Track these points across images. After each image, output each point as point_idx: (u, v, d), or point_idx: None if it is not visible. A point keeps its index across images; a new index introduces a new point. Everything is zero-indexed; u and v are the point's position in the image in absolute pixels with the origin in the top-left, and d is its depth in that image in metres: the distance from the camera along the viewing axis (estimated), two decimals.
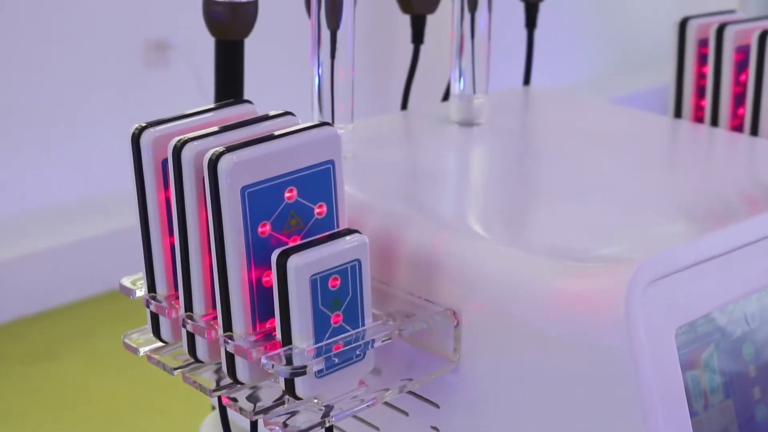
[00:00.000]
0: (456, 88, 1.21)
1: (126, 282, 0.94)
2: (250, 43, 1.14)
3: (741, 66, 1.24)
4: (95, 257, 2.90)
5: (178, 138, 0.84)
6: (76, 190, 2.97)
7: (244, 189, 0.81)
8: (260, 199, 0.82)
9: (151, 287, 0.90)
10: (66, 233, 2.91)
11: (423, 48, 1.30)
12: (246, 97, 1.11)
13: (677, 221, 0.98)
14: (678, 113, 1.29)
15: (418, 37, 1.28)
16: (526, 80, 1.39)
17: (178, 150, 0.84)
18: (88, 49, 2.91)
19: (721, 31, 1.24)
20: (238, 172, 0.81)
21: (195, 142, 0.84)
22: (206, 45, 1.11)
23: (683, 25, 1.27)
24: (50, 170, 2.92)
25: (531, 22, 1.37)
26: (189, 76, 3.03)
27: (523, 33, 1.38)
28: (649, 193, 1.04)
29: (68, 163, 2.94)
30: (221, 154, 0.81)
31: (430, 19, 1.28)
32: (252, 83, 1.27)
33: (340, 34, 1.07)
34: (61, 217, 2.93)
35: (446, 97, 1.30)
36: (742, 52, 1.24)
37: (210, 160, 0.81)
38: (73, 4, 2.86)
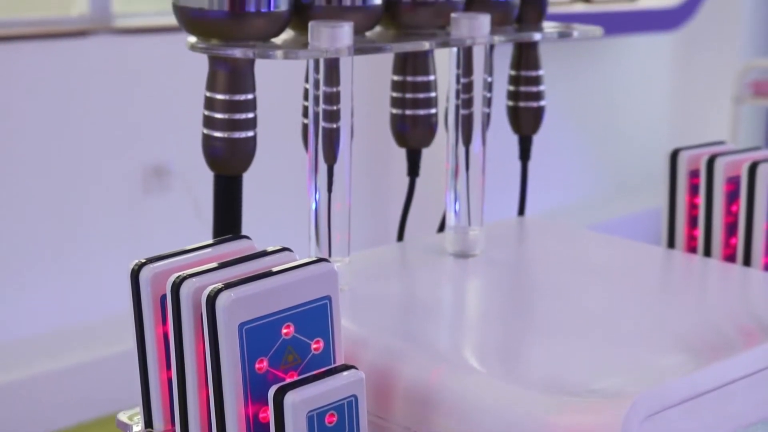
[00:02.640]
0: (451, 220, 1.23)
1: (123, 417, 0.94)
2: (248, 176, 1.15)
3: (732, 196, 1.26)
4: (94, 382, 2.89)
5: (176, 274, 0.85)
6: (75, 314, 2.97)
7: (241, 325, 0.82)
8: (258, 336, 0.83)
9: (148, 422, 0.91)
10: (65, 358, 2.90)
11: (418, 180, 1.31)
12: (244, 228, 1.12)
13: (673, 354, 0.98)
14: (671, 243, 1.30)
15: (413, 170, 1.30)
16: (521, 211, 1.41)
17: (176, 286, 0.85)
18: (88, 174, 2.94)
19: (711, 162, 1.26)
20: (236, 309, 0.82)
21: (193, 279, 0.85)
22: (205, 170, 1.12)
23: (674, 156, 1.29)
24: (49, 295, 2.92)
25: (525, 155, 1.39)
26: (188, 201, 3.05)
27: (517, 163, 1.40)
28: (644, 325, 1.04)
29: (67, 288, 2.95)
30: (219, 290, 0.82)
31: (426, 152, 1.30)
32: (251, 215, 1.28)
33: (336, 167, 1.09)
34: (60, 342, 2.93)
35: (442, 228, 1.31)
36: (733, 183, 1.26)
37: (208, 296, 0.82)
38: (73, 131, 2.89)
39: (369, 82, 2.87)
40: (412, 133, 1.26)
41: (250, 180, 1.17)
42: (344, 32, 1.06)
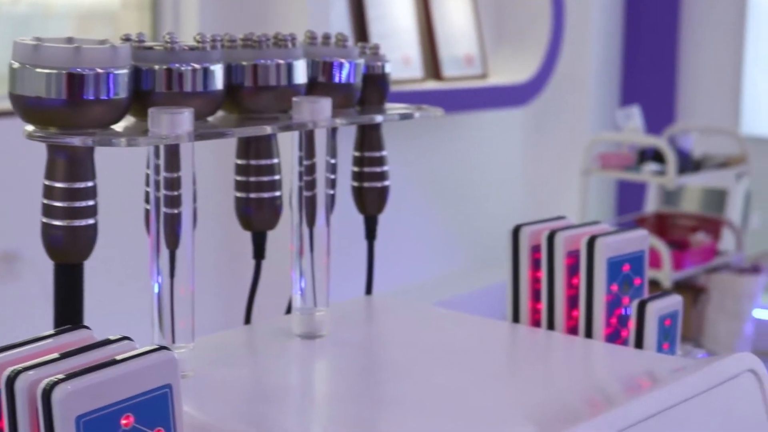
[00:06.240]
0: (297, 301, 1.23)
1: None
2: (90, 264, 1.14)
3: (573, 270, 1.29)
4: None
5: (11, 368, 0.84)
6: None
7: (79, 418, 0.81)
8: (96, 428, 0.82)
9: None
10: None
11: (265, 262, 1.31)
12: (87, 317, 1.11)
13: (521, 427, 1.00)
14: (516, 317, 1.33)
15: (259, 253, 1.30)
16: (368, 290, 1.42)
17: (11, 380, 0.83)
18: None
19: (552, 237, 1.29)
20: (73, 402, 0.80)
21: (29, 372, 0.83)
22: None
23: (516, 232, 1.32)
24: None
25: (371, 234, 1.41)
26: (39, 288, 2.99)
27: (364, 243, 1.42)
28: (492, 400, 1.05)
29: None
30: (55, 383, 0.80)
31: (272, 234, 1.31)
32: (94, 303, 1.27)
33: (179, 252, 1.08)
34: None
35: (289, 310, 1.31)
36: (573, 256, 1.29)
37: (44, 390, 0.81)
38: None
39: (216, 165, 2.87)
40: (256, 215, 1.27)
41: (91, 268, 1.15)
42: (184, 118, 1.07)
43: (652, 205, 4.43)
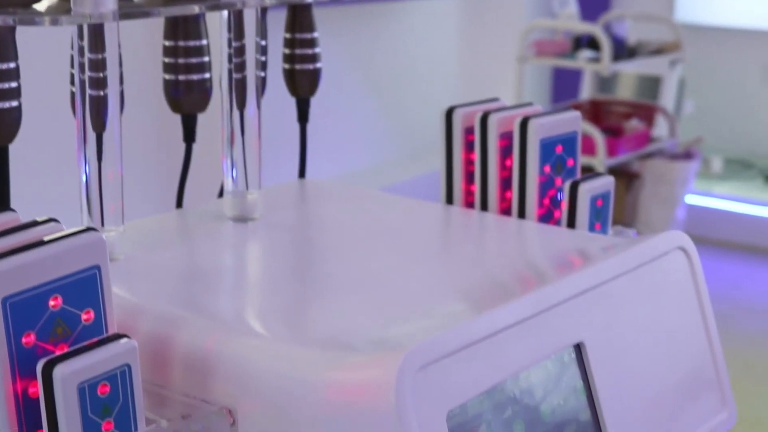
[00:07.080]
0: (229, 185, 1.22)
1: None
2: (15, 148, 1.12)
3: (506, 151, 1.29)
4: None
5: None
6: None
7: (5, 300, 0.80)
8: (23, 309, 0.81)
9: None
10: None
11: (196, 146, 1.30)
12: (14, 202, 1.09)
13: (453, 306, 1.00)
14: (449, 199, 1.33)
15: (189, 136, 1.29)
16: (302, 174, 1.41)
17: None
18: None
19: (485, 119, 1.29)
20: None
21: None
22: None
23: (449, 114, 1.31)
24: None
25: (303, 117, 1.40)
26: None
27: (297, 129, 1.40)
28: (425, 280, 1.06)
29: None
30: None
31: (202, 118, 1.29)
32: (21, 187, 1.25)
33: (106, 136, 1.06)
34: None
35: (222, 194, 1.30)
36: (506, 138, 1.29)
37: None
38: None
39: (143, 47, 2.81)
40: (186, 98, 1.25)
41: (17, 151, 1.13)
42: None
43: (587, 92, 4.44)
